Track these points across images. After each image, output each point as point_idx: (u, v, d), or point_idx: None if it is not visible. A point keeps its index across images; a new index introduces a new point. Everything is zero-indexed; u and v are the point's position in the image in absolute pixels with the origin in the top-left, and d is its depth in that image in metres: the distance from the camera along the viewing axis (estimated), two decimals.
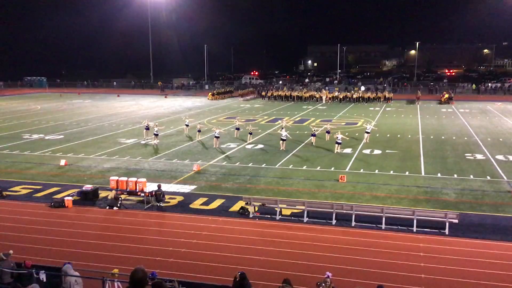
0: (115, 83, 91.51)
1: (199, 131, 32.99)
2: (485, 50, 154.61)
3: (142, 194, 19.09)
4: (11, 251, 11.76)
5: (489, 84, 79.56)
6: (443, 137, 33.83)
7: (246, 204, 17.85)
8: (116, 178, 19.77)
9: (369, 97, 61.91)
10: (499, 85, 77.94)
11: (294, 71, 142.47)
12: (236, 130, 34.17)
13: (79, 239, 15.50)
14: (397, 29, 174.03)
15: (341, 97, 63.09)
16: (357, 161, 26.16)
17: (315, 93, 66.50)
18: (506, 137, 34.12)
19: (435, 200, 19.35)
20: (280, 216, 17.41)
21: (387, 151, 29.01)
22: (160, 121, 40.88)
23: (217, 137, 30.22)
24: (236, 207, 18.31)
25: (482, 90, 74.45)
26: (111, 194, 18.87)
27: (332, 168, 24.51)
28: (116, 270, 11.75)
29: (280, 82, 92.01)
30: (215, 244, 14.97)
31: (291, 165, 25.24)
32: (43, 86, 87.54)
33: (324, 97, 63.09)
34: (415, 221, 16.02)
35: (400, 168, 24.61)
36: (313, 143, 30.66)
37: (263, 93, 68.84)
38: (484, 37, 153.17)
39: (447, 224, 15.78)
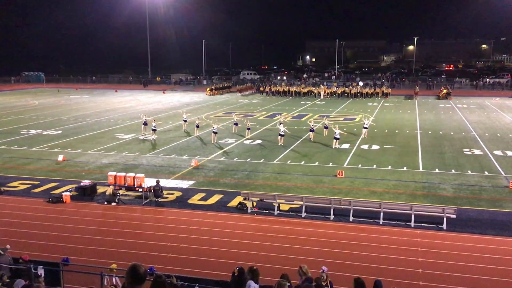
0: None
1: (197, 126, 32.97)
2: (483, 46, 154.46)
3: (140, 190, 19.09)
4: (8, 246, 11.77)
5: (487, 80, 79.57)
6: (441, 133, 33.87)
7: (244, 199, 17.86)
8: (114, 173, 19.78)
9: (367, 93, 61.88)
10: (504, 81, 77.25)
11: (292, 67, 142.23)
12: (234, 126, 34.15)
13: (77, 235, 15.50)
14: (395, 24, 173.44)
15: (339, 92, 63.04)
16: (355, 157, 26.19)
17: (313, 88, 66.48)
18: (503, 132, 34.17)
19: (433, 195, 19.39)
20: (278, 211, 17.43)
21: (385, 146, 29.03)
22: (158, 117, 40.81)
23: (215, 133, 30.19)
24: (234, 203, 18.33)
25: (480, 85, 74.47)
26: (109, 190, 18.85)
27: (330, 164, 24.53)
28: (114, 266, 11.75)
29: (279, 77, 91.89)
30: (213, 239, 14.99)
31: (289, 161, 25.25)
32: (41, 81, 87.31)
33: (322, 93, 63.05)
34: (412, 216, 16.05)
35: (398, 163, 24.65)
36: (311, 139, 30.67)
37: (261, 89, 68.79)
38: (482, 32, 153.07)
39: (444, 219, 15.83)
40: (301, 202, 17.36)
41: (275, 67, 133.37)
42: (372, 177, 22.01)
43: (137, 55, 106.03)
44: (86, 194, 19.43)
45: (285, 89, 65.58)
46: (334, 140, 28.37)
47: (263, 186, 20.70)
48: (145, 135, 32.61)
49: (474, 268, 13.11)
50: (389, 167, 23.79)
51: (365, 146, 28.97)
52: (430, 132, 34.01)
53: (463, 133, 33.63)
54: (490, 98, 58.83)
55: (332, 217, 16.81)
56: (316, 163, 24.69)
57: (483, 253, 14.01)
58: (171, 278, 9.35)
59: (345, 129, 33.30)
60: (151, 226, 16.49)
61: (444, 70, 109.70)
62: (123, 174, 19.68)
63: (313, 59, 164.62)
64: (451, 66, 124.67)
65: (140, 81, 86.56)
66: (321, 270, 10.09)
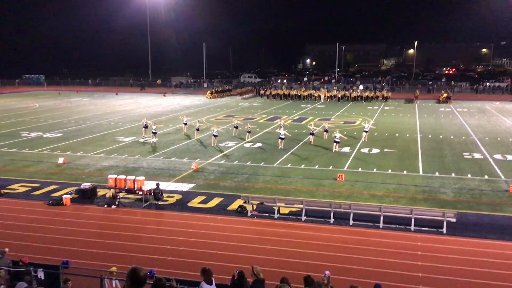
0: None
1: (197, 129, 32.99)
2: (484, 49, 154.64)
3: (140, 193, 19.09)
4: (6, 249, 11.76)
5: (487, 84, 79.62)
6: (441, 136, 33.88)
7: (244, 202, 17.87)
8: (115, 176, 19.76)
9: (367, 96, 61.95)
10: (504, 85, 77.02)
11: (292, 70, 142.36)
12: (234, 129, 34.16)
13: (77, 237, 15.50)
14: (395, 28, 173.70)
15: (339, 96, 63.11)
16: (355, 160, 26.19)
17: (314, 91, 66.54)
18: (503, 136, 34.18)
19: (433, 199, 19.39)
20: (278, 215, 17.43)
21: (385, 150, 29.04)
22: (159, 120, 40.85)
23: (215, 136, 30.22)
24: (234, 206, 18.33)
25: (480, 89, 74.50)
26: (109, 193, 18.86)
27: (331, 167, 24.54)
28: (114, 269, 11.76)
29: (279, 80, 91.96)
30: (213, 243, 14.98)
31: (290, 164, 25.26)
32: (41, 84, 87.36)
33: (322, 96, 63.10)
34: (412, 220, 16.05)
35: (398, 167, 24.65)
36: (312, 142, 30.67)
37: (262, 92, 68.89)
38: (482, 36, 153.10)
39: (444, 223, 15.82)
40: (301, 206, 17.36)
41: (275, 70, 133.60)
42: (372, 181, 22.01)
43: (137, 58, 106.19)
44: (86, 197, 19.43)
45: (285, 92, 65.69)
46: (334, 144, 28.38)
47: (263, 189, 20.70)
48: (145, 138, 32.63)
49: (474, 272, 13.10)
50: (389, 171, 23.79)
51: (365, 150, 28.99)
52: (430, 136, 34.01)
53: (463, 137, 33.64)
54: (490, 102, 58.86)
55: (332, 220, 16.80)
56: (316, 167, 24.70)
57: (483, 257, 14.00)
58: (171, 281, 9.34)
59: (345, 132, 33.30)
60: (151, 229, 16.49)
61: (444, 74, 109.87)
62: (123, 177, 19.66)
63: (314, 63, 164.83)
64: (451, 70, 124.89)
65: (141, 84, 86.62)
66: (323, 275, 10.10)
